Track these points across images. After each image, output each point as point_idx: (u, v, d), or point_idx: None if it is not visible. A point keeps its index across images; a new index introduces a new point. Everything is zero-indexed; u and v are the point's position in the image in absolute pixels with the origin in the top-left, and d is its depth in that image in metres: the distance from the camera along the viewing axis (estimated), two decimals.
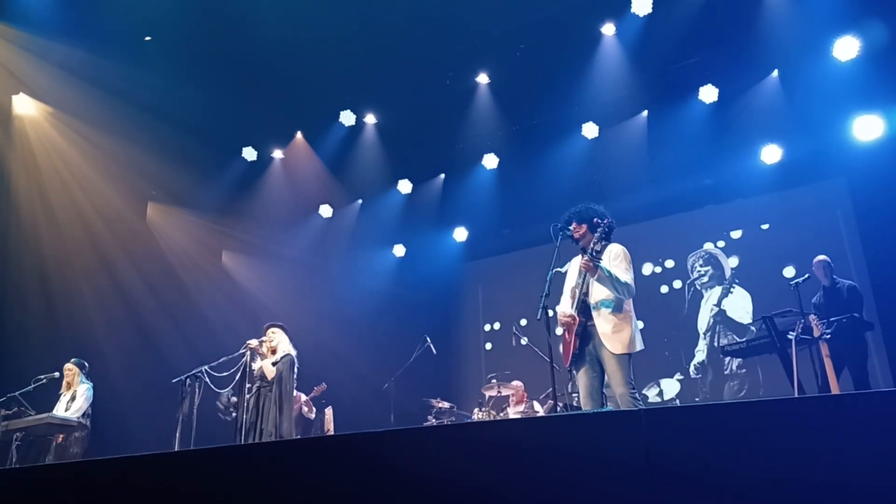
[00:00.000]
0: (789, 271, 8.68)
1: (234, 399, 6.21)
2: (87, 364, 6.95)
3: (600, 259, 4.50)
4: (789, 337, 5.91)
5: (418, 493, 2.57)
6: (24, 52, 7.49)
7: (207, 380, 6.05)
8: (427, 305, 10.99)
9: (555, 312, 4.66)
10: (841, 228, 8.69)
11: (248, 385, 6.08)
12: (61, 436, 6.42)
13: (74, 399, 6.62)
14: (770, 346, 6.26)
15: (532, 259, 9.05)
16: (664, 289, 9.85)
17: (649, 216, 9.61)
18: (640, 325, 4.57)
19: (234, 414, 6.19)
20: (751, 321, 9.01)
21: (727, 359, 8.91)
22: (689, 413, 2.85)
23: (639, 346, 4.42)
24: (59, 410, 6.56)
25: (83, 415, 6.62)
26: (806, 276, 6.37)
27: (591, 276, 4.46)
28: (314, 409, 8.45)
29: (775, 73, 8.27)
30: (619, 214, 5.02)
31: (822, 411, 2.38)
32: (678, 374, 9.42)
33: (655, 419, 2.43)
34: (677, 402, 9.22)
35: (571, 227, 4.66)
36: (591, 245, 4.53)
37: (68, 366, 6.78)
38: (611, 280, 4.38)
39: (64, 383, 6.76)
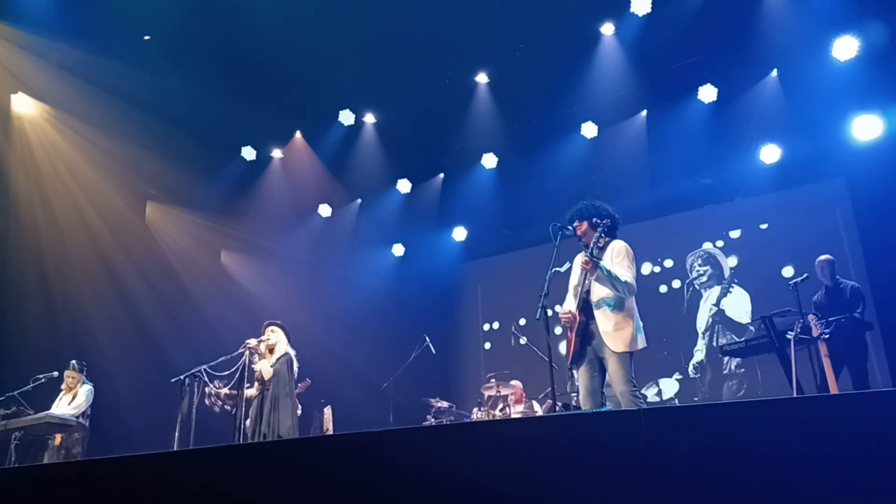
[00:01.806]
0: (788, 271, 8.69)
1: (225, 391, 6.18)
2: (85, 364, 6.96)
3: (601, 257, 4.52)
4: (788, 337, 5.90)
5: (418, 492, 2.57)
6: (24, 51, 7.48)
7: (206, 379, 6.04)
8: (426, 305, 10.98)
9: (555, 312, 4.67)
10: (840, 228, 8.69)
11: (247, 385, 6.06)
12: (59, 437, 6.42)
13: (75, 398, 6.67)
14: (769, 345, 6.26)
15: (531, 259, 9.06)
16: (663, 288, 9.85)
17: (649, 216, 9.61)
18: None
19: (228, 408, 6.17)
20: (749, 321, 9.01)
21: (726, 358, 8.92)
22: (687, 413, 2.86)
23: (641, 343, 4.42)
24: (61, 408, 6.58)
25: (82, 414, 6.65)
26: (805, 275, 6.35)
27: (591, 276, 4.48)
28: (299, 406, 8.43)
29: (774, 72, 8.28)
30: (619, 214, 5.01)
31: (820, 411, 2.39)
32: (677, 373, 9.43)
33: (654, 419, 2.44)
34: (676, 401, 9.22)
35: (574, 225, 4.70)
36: (592, 243, 4.55)
37: (69, 372, 6.80)
38: (610, 279, 4.40)
39: (65, 386, 6.80)
